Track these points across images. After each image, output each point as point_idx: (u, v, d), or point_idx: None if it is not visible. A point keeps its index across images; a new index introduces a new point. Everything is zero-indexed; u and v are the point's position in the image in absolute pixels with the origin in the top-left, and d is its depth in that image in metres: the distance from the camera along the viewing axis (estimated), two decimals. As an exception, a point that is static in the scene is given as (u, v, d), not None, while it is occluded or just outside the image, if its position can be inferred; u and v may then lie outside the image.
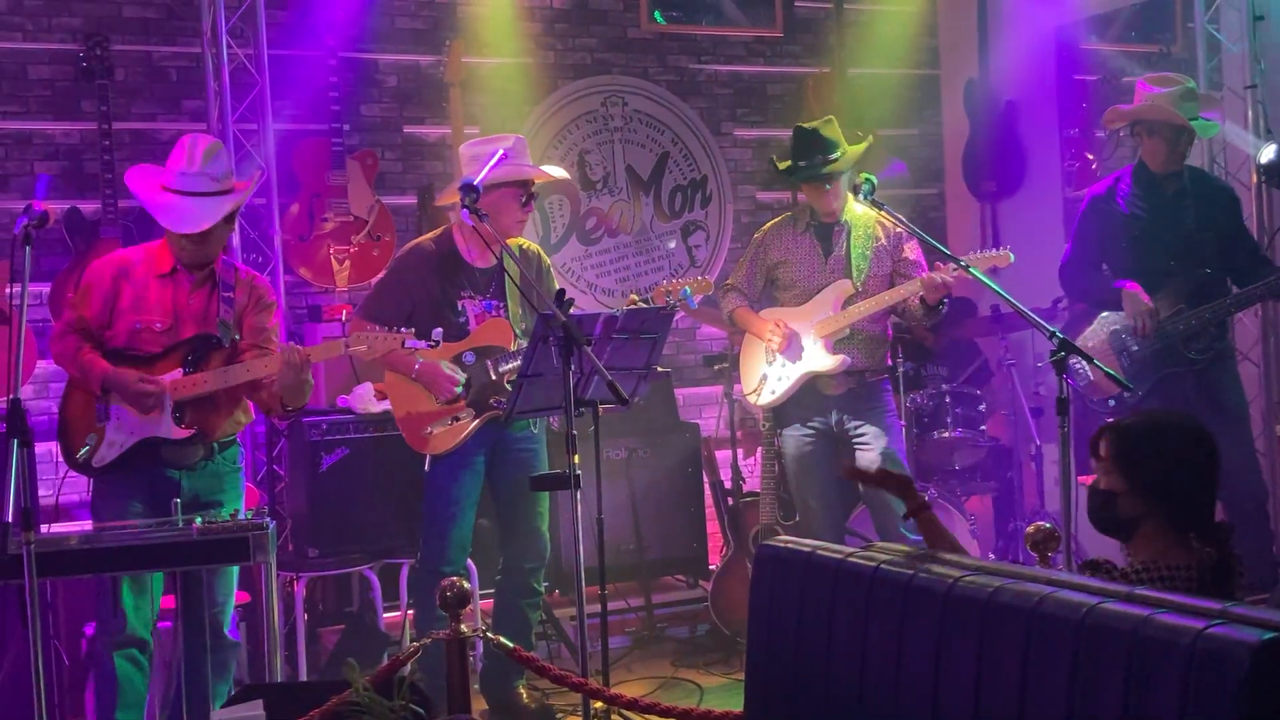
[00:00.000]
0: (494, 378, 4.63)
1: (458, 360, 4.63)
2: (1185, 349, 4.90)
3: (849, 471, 4.28)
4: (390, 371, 4.71)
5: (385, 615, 5.30)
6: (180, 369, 4.13)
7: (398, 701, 2.97)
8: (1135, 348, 4.95)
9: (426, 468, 4.70)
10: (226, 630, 4.23)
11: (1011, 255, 4.66)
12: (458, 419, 4.64)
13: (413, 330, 4.23)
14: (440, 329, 4.27)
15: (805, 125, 4.96)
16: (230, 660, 4.28)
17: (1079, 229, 5.19)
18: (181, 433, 4.12)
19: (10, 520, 3.30)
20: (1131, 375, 4.92)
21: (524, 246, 4.83)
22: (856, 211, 4.92)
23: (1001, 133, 7.17)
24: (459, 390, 4.60)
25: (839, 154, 4.83)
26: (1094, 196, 5.16)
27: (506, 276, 4.70)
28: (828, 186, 4.84)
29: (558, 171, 5.09)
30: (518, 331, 4.72)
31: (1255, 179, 5.82)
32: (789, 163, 4.93)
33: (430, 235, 4.87)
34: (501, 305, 4.73)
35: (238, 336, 4.26)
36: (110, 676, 4.12)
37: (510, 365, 4.60)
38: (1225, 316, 4.91)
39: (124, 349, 4.14)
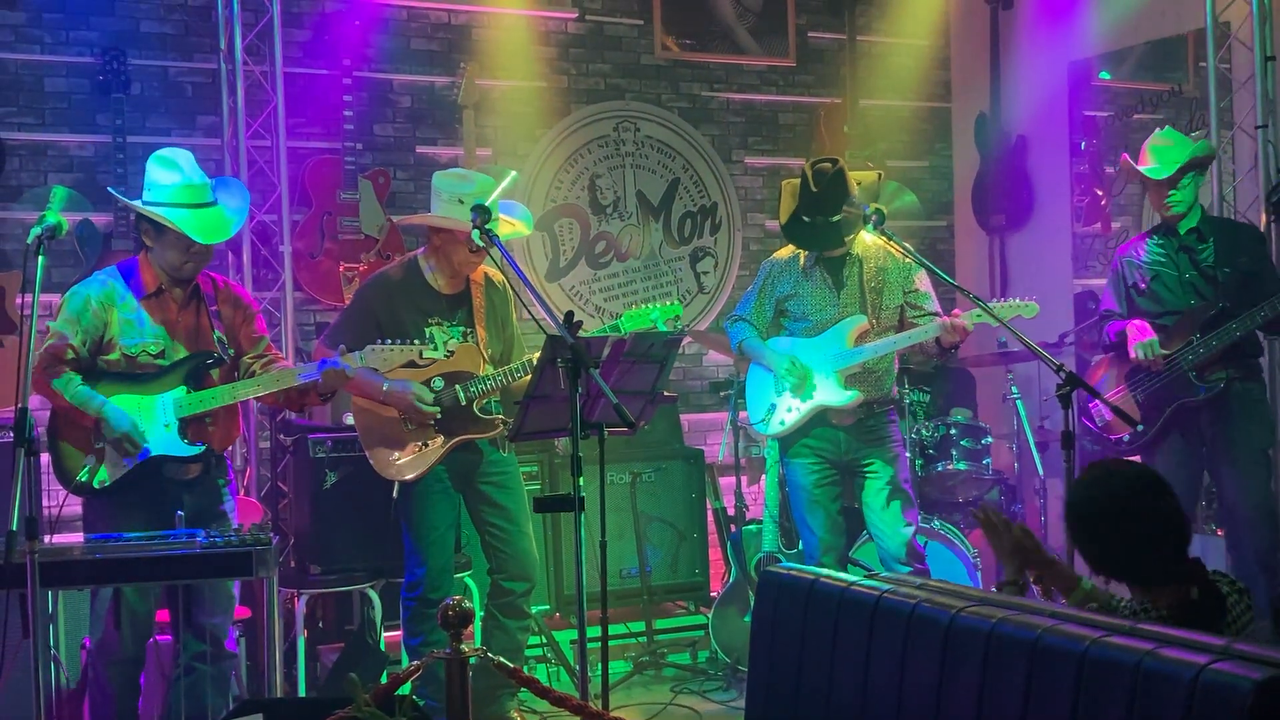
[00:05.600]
0: (464, 402, 4.62)
1: (427, 385, 4.60)
2: (1197, 378, 4.89)
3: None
4: (358, 397, 4.68)
5: (386, 634, 5.28)
6: (183, 387, 4.13)
7: (399, 719, 2.96)
8: (1146, 383, 4.95)
9: (395, 494, 4.68)
10: (225, 643, 4.22)
11: (1037, 306, 4.66)
12: (426, 445, 4.63)
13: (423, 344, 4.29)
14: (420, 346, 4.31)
15: (814, 189, 4.79)
16: (228, 672, 4.27)
17: (1109, 284, 5.26)
18: (190, 450, 4.12)
19: (15, 529, 3.29)
20: (1146, 410, 4.95)
21: (490, 276, 4.82)
22: (866, 242, 4.91)
23: (1012, 167, 7.19)
24: (431, 409, 4.55)
25: (840, 217, 4.78)
26: (1120, 253, 5.24)
27: (474, 303, 4.71)
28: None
29: (517, 217, 4.85)
30: (486, 357, 4.71)
31: (1265, 218, 5.82)
32: (794, 217, 4.89)
33: (395, 264, 4.87)
34: (470, 331, 4.71)
35: (233, 351, 4.26)
36: (106, 692, 4.12)
37: (480, 390, 4.61)
38: (1231, 340, 4.85)
39: (121, 374, 4.10)
